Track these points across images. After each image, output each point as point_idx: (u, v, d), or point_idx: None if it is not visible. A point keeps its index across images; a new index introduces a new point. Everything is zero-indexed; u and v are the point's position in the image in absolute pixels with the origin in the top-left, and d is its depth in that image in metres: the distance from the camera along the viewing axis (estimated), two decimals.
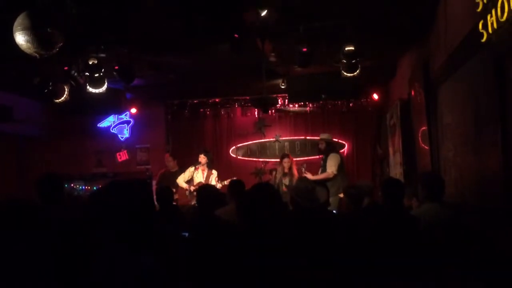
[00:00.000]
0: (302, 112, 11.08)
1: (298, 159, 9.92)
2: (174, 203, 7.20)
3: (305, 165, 8.28)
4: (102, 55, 6.70)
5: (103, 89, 7.12)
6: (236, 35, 6.13)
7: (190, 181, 8.38)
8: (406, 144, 7.60)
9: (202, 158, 8.53)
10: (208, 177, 8.40)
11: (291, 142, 11.21)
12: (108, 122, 11.27)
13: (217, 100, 11.31)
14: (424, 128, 6.38)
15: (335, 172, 7.79)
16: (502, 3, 3.07)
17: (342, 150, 10.67)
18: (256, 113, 11.19)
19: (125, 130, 11.33)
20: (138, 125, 11.34)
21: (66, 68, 7.02)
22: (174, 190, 7.09)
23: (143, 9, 5.72)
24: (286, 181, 8.21)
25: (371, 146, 10.88)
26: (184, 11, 5.61)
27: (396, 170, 8.42)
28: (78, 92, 7.61)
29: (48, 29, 4.16)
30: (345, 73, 6.75)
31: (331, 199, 5.27)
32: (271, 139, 11.21)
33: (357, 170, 10.82)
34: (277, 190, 7.64)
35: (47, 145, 10.98)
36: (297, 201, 3.86)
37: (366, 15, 6.04)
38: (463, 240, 4.00)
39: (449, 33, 5.22)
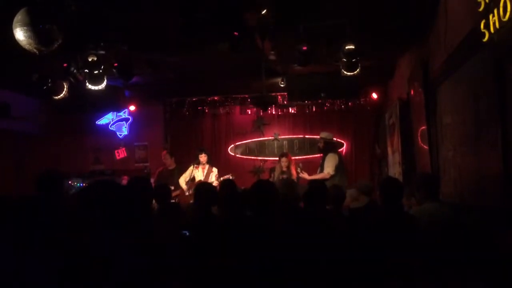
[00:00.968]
0: None
1: (296, 157, 9.92)
2: (173, 201, 7.21)
3: (300, 165, 8.24)
4: (102, 52, 6.67)
5: (102, 86, 7.11)
6: (235, 34, 6.11)
7: (192, 180, 8.38)
8: (405, 143, 7.60)
9: (203, 157, 8.54)
10: (208, 174, 8.40)
11: (290, 140, 11.21)
12: (107, 119, 11.27)
13: (216, 98, 11.29)
14: (423, 128, 6.38)
15: (331, 173, 7.77)
16: (505, 3, 3.06)
17: (341, 150, 10.66)
18: (255, 111, 11.18)
19: (123, 127, 11.32)
20: (137, 122, 11.33)
21: (65, 65, 7.00)
22: (172, 187, 7.07)
23: (143, 7, 5.71)
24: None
25: (369, 145, 10.88)
26: (183, 8, 5.60)
27: (395, 170, 8.42)
28: (76, 89, 7.60)
29: (48, 25, 4.15)
30: (345, 72, 6.75)
31: None
32: (270, 138, 11.22)
33: (356, 169, 10.81)
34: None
35: (45, 142, 10.96)
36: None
37: (366, 14, 6.03)
38: (462, 240, 4.00)
39: (449, 33, 5.21)
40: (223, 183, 5.84)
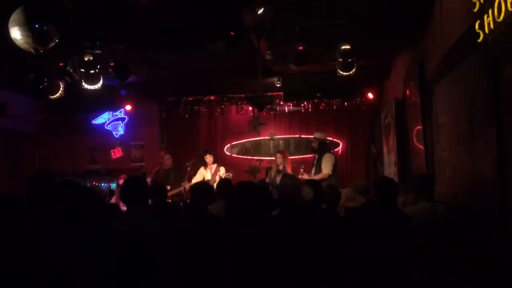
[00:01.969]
0: None
1: (292, 157, 9.92)
2: (169, 200, 7.22)
3: (303, 167, 8.22)
4: (98, 51, 6.67)
5: (98, 85, 7.11)
6: (232, 33, 6.12)
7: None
8: (400, 143, 7.62)
9: (209, 158, 8.56)
10: (215, 173, 8.42)
11: (286, 140, 11.23)
12: (103, 119, 11.25)
13: (212, 98, 11.30)
14: (418, 127, 6.40)
15: (330, 173, 7.79)
16: (499, 3, 3.08)
17: (337, 149, 10.68)
18: (251, 111, 11.18)
19: (119, 127, 11.30)
20: (133, 122, 11.32)
21: (61, 64, 6.99)
22: (168, 187, 7.08)
23: (139, 6, 5.70)
24: (279, 178, 8.17)
25: (365, 145, 10.90)
26: (180, 8, 5.60)
27: (390, 169, 8.44)
28: (72, 88, 7.59)
29: (44, 24, 4.15)
30: (341, 72, 6.77)
31: None
32: (266, 137, 11.22)
33: (351, 169, 10.84)
34: (265, 187, 7.63)
35: (40, 141, 10.94)
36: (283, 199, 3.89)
37: (362, 14, 6.04)
38: (457, 239, 4.02)
39: (445, 33, 5.23)
40: (220, 183, 5.82)
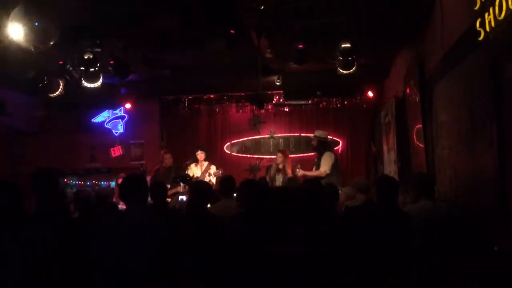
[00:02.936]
0: None
1: (292, 156, 9.91)
2: (169, 199, 7.21)
3: (299, 166, 8.19)
4: (98, 49, 6.66)
5: (98, 83, 7.11)
6: (232, 31, 6.11)
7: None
8: (400, 142, 7.61)
9: (200, 154, 8.54)
10: (206, 171, 8.40)
11: (286, 139, 11.21)
12: (103, 117, 11.24)
13: (212, 96, 11.29)
14: (419, 126, 6.39)
15: (327, 171, 7.74)
16: (500, 2, 3.07)
17: (337, 148, 10.67)
18: (250, 109, 11.18)
19: (119, 125, 11.29)
20: (133, 120, 11.30)
21: (61, 62, 6.98)
22: (168, 186, 7.07)
23: (139, 4, 5.70)
24: (279, 177, 8.17)
25: (365, 143, 10.89)
26: (180, 6, 5.59)
27: (390, 168, 8.43)
28: (72, 87, 7.58)
29: (44, 22, 4.14)
30: (341, 70, 6.76)
31: None
32: (266, 136, 11.21)
33: (351, 167, 10.82)
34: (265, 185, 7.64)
35: (40, 139, 10.92)
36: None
37: (362, 13, 6.04)
38: (458, 238, 4.02)
39: (445, 31, 5.22)
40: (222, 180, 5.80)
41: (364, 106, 10.86)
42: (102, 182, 11.11)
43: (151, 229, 3.46)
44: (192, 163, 8.64)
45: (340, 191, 5.75)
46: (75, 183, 11.07)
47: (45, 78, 7.38)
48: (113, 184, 10.43)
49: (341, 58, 6.58)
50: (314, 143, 8.26)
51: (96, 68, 6.84)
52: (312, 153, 9.77)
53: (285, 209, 4.71)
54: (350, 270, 3.51)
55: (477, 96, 4.35)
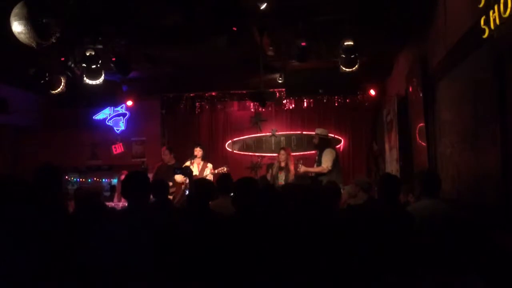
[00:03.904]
0: None
1: (294, 154, 9.89)
2: (171, 197, 7.20)
3: (301, 161, 8.18)
4: (99, 46, 6.65)
5: (100, 80, 7.08)
6: (234, 28, 6.10)
7: None
8: (402, 140, 7.59)
9: (198, 151, 8.50)
10: (203, 169, 8.37)
11: (287, 136, 11.19)
12: (104, 114, 11.22)
13: (213, 93, 11.27)
14: (421, 124, 6.37)
15: (330, 167, 7.73)
16: None
17: (338, 146, 10.66)
18: (252, 107, 11.16)
19: (120, 122, 11.28)
20: (134, 117, 11.29)
21: (63, 59, 6.98)
22: (170, 183, 7.05)
23: (141, 0, 5.68)
24: (282, 175, 8.15)
25: (367, 142, 10.87)
26: (182, 3, 5.58)
27: (392, 167, 8.42)
28: (74, 84, 7.57)
29: (46, 19, 4.12)
30: (343, 68, 6.74)
31: None
32: (267, 134, 11.20)
33: (353, 166, 10.81)
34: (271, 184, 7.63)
35: (41, 136, 10.92)
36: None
37: (364, 10, 6.02)
38: (460, 237, 4.00)
39: (449, 29, 5.20)
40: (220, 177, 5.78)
41: (366, 104, 10.83)
42: (103, 180, 11.11)
43: (153, 227, 3.45)
44: (190, 160, 8.58)
45: (342, 190, 5.73)
46: (76, 180, 11.07)
47: (47, 75, 7.36)
48: (114, 181, 10.42)
49: (343, 56, 6.56)
50: (315, 140, 8.25)
51: (98, 65, 6.82)
52: (314, 151, 9.77)
53: (285, 208, 4.71)
54: (352, 269, 3.49)
55: (480, 94, 4.33)
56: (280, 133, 11.19)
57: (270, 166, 8.84)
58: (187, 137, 11.17)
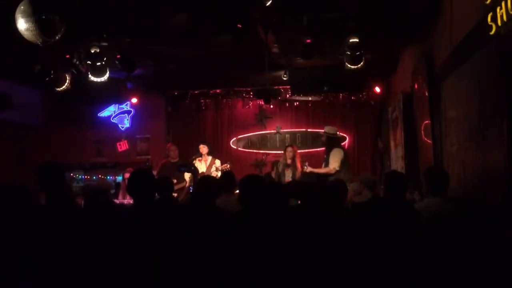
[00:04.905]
0: None
1: (299, 151, 9.88)
2: (175, 194, 7.19)
3: (307, 163, 8.11)
4: (104, 44, 6.65)
5: (105, 78, 7.09)
6: (239, 26, 6.08)
7: None
8: (408, 138, 7.57)
9: (203, 148, 8.50)
10: (210, 166, 8.36)
11: (292, 134, 11.18)
12: (109, 111, 11.25)
13: (218, 91, 11.27)
14: (427, 122, 6.34)
15: (337, 168, 7.61)
16: None
17: (343, 143, 10.63)
18: (257, 104, 11.16)
19: (125, 120, 11.30)
20: (139, 115, 11.31)
21: (67, 56, 6.98)
22: (175, 180, 7.05)
23: None
24: (288, 173, 8.11)
25: (372, 139, 10.85)
26: (186, 0, 5.57)
27: (397, 164, 8.40)
28: (79, 81, 7.57)
29: (50, 16, 4.12)
30: (348, 65, 6.72)
31: None
32: (272, 131, 11.20)
33: (358, 163, 10.79)
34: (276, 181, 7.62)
35: (46, 133, 10.95)
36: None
37: (370, 7, 5.99)
38: (466, 235, 3.98)
39: (455, 26, 5.17)
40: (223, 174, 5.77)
41: (371, 101, 10.82)
42: (108, 177, 11.12)
43: (158, 224, 3.45)
44: (197, 157, 8.59)
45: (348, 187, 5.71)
46: (81, 177, 11.09)
47: (52, 72, 7.37)
48: (119, 178, 10.43)
49: (349, 53, 6.54)
50: (323, 138, 8.20)
51: (103, 62, 6.83)
52: (319, 149, 9.76)
53: (291, 206, 4.71)
54: (358, 266, 3.49)
55: (487, 92, 4.30)
56: (285, 130, 11.18)
57: (275, 163, 8.82)
58: (191, 134, 11.18)
